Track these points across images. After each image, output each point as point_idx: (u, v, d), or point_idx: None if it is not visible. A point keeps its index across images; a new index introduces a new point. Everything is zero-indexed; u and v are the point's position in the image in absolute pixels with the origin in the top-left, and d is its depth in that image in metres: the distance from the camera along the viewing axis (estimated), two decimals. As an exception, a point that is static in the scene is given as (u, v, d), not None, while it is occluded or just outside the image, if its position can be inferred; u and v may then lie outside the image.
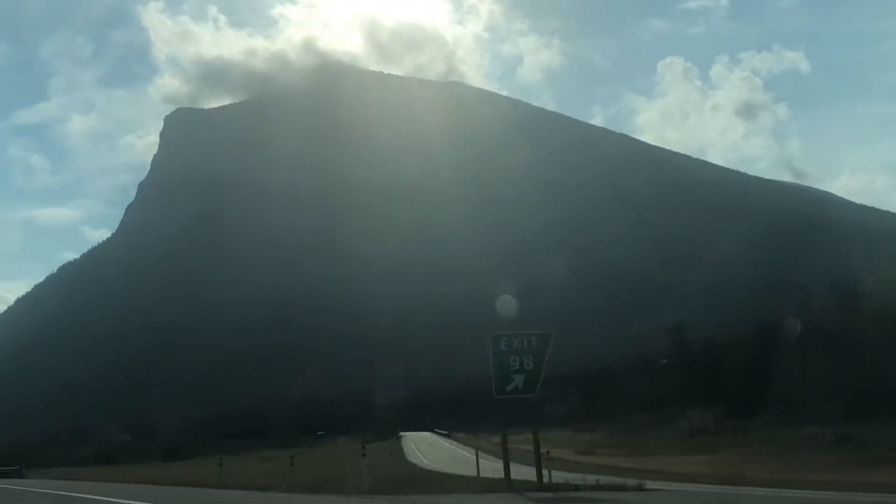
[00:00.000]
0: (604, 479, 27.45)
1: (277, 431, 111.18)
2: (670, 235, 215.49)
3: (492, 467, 32.50)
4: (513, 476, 23.07)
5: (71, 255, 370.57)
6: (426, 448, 75.81)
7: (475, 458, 40.08)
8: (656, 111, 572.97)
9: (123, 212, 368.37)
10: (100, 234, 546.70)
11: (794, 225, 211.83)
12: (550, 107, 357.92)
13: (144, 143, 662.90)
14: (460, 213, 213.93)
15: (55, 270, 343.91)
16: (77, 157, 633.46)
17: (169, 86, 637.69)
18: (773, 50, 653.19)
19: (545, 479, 23.18)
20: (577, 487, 22.58)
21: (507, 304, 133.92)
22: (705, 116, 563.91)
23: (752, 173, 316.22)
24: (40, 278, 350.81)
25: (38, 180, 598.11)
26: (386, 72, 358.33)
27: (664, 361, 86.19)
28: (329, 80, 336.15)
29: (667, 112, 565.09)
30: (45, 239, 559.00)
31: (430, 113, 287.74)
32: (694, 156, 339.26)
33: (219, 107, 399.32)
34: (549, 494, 20.72)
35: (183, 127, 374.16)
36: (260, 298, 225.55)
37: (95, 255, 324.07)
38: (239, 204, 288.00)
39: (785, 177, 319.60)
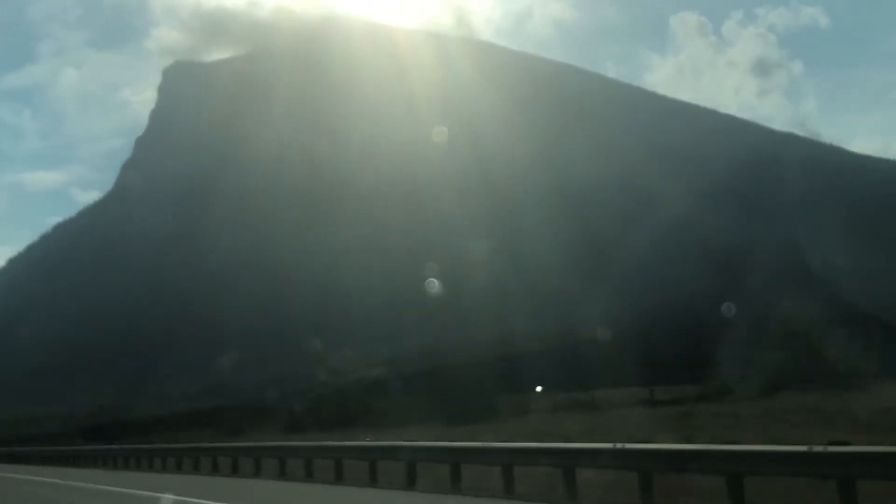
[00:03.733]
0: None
1: None
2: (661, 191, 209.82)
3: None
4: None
5: (58, 218, 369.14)
6: None
7: None
8: (669, 68, 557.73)
9: (116, 172, 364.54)
10: (89, 196, 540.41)
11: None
12: (559, 61, 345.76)
13: (141, 99, 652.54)
14: (451, 177, 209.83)
15: (50, 230, 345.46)
16: (68, 119, 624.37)
17: (167, 37, 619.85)
18: (789, 6, 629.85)
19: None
20: None
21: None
22: (719, 73, 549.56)
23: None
24: (30, 241, 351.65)
25: (27, 143, 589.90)
26: (394, 24, 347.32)
27: None
28: (324, 33, 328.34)
29: (680, 69, 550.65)
30: (31, 203, 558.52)
31: (421, 68, 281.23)
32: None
33: (220, 59, 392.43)
34: None
35: (182, 80, 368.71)
36: (261, 257, 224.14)
37: (91, 214, 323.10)
38: (239, 160, 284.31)
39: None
